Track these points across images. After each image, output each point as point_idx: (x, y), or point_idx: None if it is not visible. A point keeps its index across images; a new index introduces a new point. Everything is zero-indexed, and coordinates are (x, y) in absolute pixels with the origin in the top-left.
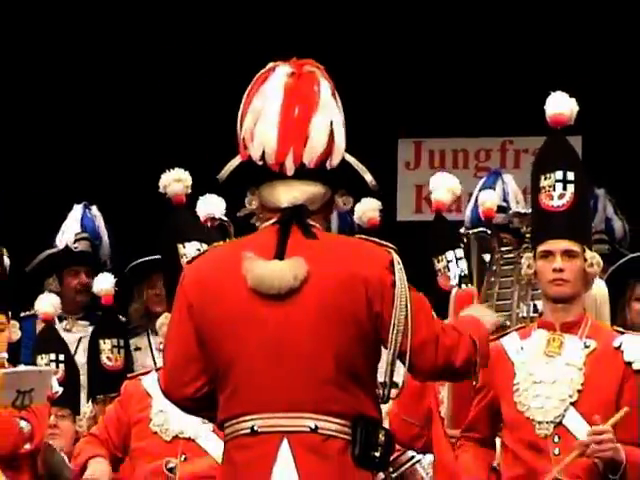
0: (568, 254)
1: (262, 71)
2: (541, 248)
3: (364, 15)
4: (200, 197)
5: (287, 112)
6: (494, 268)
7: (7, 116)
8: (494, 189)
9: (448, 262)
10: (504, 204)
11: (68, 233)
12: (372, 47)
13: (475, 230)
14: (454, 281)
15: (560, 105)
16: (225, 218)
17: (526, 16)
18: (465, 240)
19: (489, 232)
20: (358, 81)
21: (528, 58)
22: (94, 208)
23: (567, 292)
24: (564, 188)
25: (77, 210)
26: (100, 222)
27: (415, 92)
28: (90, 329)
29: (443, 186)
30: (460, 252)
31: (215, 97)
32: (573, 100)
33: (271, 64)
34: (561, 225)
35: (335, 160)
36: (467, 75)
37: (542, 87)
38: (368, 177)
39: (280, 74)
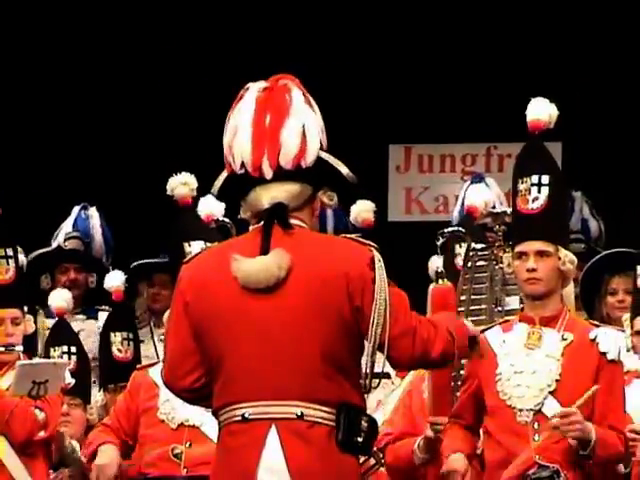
0: (541, 254)
1: (244, 89)
2: (517, 249)
3: (359, 29)
4: (201, 198)
5: (259, 121)
6: (469, 265)
7: (15, 119)
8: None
9: None
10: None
11: (62, 233)
12: (366, 60)
13: (450, 229)
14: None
15: (538, 111)
16: (227, 220)
17: (509, 31)
18: (441, 239)
19: (464, 231)
20: (352, 90)
21: (512, 69)
22: (92, 209)
23: (540, 290)
24: (538, 191)
25: (74, 211)
26: (95, 222)
27: (405, 101)
28: (88, 322)
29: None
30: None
31: (218, 101)
32: (553, 106)
33: (249, 84)
34: (534, 227)
35: (309, 159)
36: (454, 84)
37: (525, 96)
38: (344, 170)
39: (253, 90)
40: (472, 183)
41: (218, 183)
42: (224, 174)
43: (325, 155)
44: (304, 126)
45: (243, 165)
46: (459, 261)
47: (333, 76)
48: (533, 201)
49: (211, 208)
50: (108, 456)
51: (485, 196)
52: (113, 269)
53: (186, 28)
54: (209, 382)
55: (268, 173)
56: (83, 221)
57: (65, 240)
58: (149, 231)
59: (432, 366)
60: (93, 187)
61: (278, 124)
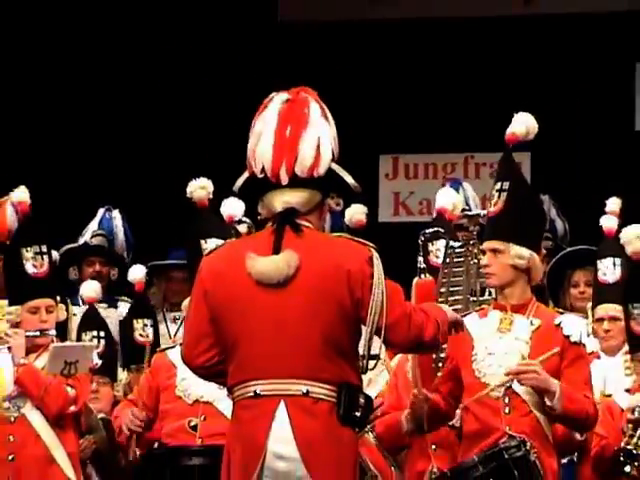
0: (493, 251)
1: (268, 98)
2: (481, 247)
3: (355, 58)
4: (224, 200)
5: (281, 132)
6: (447, 261)
7: (49, 130)
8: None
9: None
10: (467, 207)
11: (89, 231)
12: (360, 83)
13: (430, 230)
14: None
15: (517, 126)
16: (248, 220)
17: (483, 60)
18: (422, 238)
19: (442, 231)
20: (347, 108)
21: (486, 90)
22: (115, 211)
23: (494, 283)
24: (499, 196)
25: (100, 213)
26: (118, 222)
27: (394, 117)
28: (109, 310)
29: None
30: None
31: (232, 114)
32: (533, 121)
33: (273, 94)
34: (490, 228)
35: (321, 169)
36: (436, 102)
37: (498, 112)
38: (350, 180)
39: (277, 101)
40: (451, 187)
41: (239, 182)
42: (245, 174)
43: (335, 166)
44: (319, 139)
45: (263, 170)
46: (432, 257)
47: (330, 95)
48: (493, 205)
49: (233, 209)
50: (132, 410)
51: (453, 198)
52: (133, 264)
53: (212, 45)
54: (222, 361)
55: (284, 179)
56: (108, 221)
57: (92, 237)
58: (169, 229)
59: (424, 348)
60: (118, 191)
61: (297, 136)
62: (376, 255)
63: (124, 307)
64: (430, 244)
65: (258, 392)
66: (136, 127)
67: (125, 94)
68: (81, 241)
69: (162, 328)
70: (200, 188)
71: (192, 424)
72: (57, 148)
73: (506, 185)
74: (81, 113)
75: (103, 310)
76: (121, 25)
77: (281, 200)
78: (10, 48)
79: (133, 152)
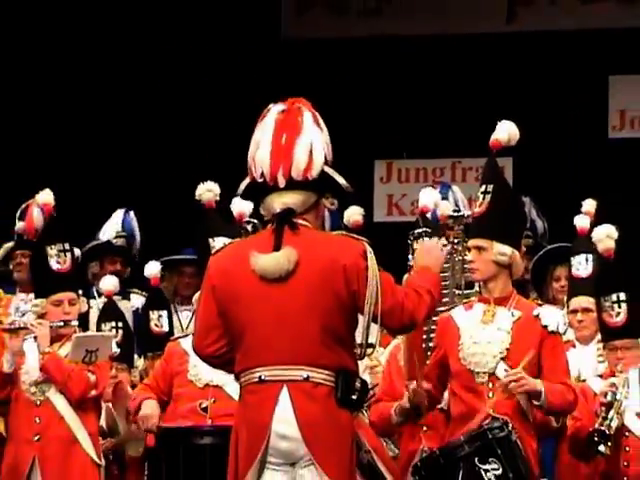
0: (477, 249)
1: (267, 109)
2: (468, 244)
3: (354, 70)
4: (234, 199)
5: (277, 140)
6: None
7: (71, 138)
8: (447, 198)
9: None
10: (457, 208)
11: (110, 230)
12: (357, 94)
13: (418, 230)
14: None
15: (500, 132)
16: (254, 220)
17: (469, 74)
18: (411, 238)
19: (429, 231)
20: (346, 118)
21: (472, 101)
22: (131, 213)
23: (477, 277)
24: (483, 198)
25: (118, 213)
26: (135, 224)
27: (388, 126)
28: (122, 302)
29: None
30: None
31: (237, 122)
32: (515, 128)
33: (270, 105)
34: (475, 227)
35: (315, 172)
36: (426, 113)
37: (482, 121)
38: (342, 182)
39: (274, 112)
40: (441, 190)
41: (242, 186)
42: (247, 180)
43: (328, 169)
44: (311, 145)
45: (262, 175)
46: None
47: (329, 106)
48: (479, 206)
49: (242, 207)
50: (150, 407)
51: (434, 197)
52: (147, 260)
53: (217, 59)
54: (230, 350)
55: (282, 182)
56: (129, 223)
57: (115, 238)
58: (179, 229)
59: (419, 326)
60: (132, 193)
61: (291, 143)
62: (369, 249)
63: (136, 299)
64: (415, 242)
65: (263, 378)
66: (151, 136)
67: (143, 110)
68: (103, 238)
69: (174, 320)
70: (207, 191)
71: (203, 406)
72: (79, 155)
73: (490, 188)
74: (102, 125)
75: (117, 302)
76: (143, 42)
77: (279, 202)
78: (34, 58)
79: (147, 158)
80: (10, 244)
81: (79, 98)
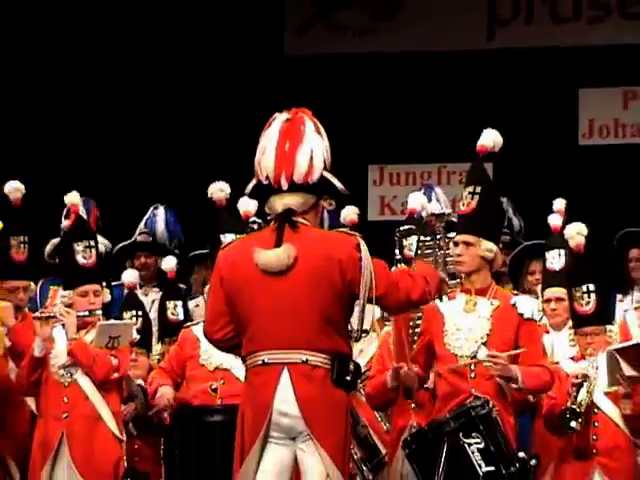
0: (465, 244)
1: (273, 117)
2: (454, 239)
3: (350, 84)
4: (240, 199)
5: (281, 147)
6: (419, 252)
7: (110, 147)
8: (431, 198)
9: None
10: (439, 209)
11: (138, 229)
12: (353, 105)
13: (404, 227)
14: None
15: (485, 139)
16: (259, 220)
17: (453, 87)
18: (398, 235)
19: (414, 228)
20: (342, 127)
21: (456, 112)
22: (160, 208)
23: (462, 270)
24: (472, 198)
25: (149, 211)
26: (160, 219)
27: (380, 134)
28: (160, 294)
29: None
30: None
31: (247, 129)
32: (499, 136)
33: (276, 114)
34: (463, 224)
35: (315, 177)
36: (415, 122)
37: (465, 130)
38: (339, 185)
39: (279, 120)
40: (425, 191)
41: (250, 186)
42: (254, 181)
43: (326, 174)
44: (312, 152)
45: (267, 178)
46: (406, 250)
47: (328, 116)
48: (467, 205)
49: (248, 207)
50: (166, 393)
51: (421, 200)
52: (182, 253)
53: (226, 74)
54: (236, 336)
55: (284, 185)
56: (150, 219)
57: (138, 234)
58: (197, 224)
59: (415, 306)
60: (165, 193)
61: (294, 150)
62: (362, 242)
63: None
64: (404, 239)
65: (265, 361)
66: (173, 146)
67: (167, 125)
68: (133, 238)
69: (202, 310)
70: (219, 190)
71: (213, 387)
72: (117, 164)
73: (478, 189)
74: (136, 139)
75: (155, 293)
76: (167, 65)
77: (281, 202)
78: (73, 67)
79: (172, 164)
80: (56, 240)
81: (120, 118)
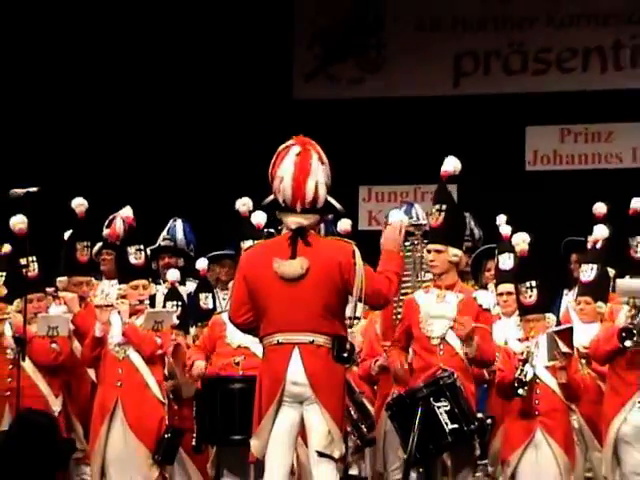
0: (436, 251)
1: (285, 146)
2: (427, 247)
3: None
4: (253, 213)
5: (296, 179)
6: (401, 255)
7: (144, 165)
8: (410, 212)
9: None
10: (417, 221)
11: (162, 236)
12: (348, 138)
13: None
14: None
15: (447, 166)
16: (272, 230)
17: (425, 125)
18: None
19: None
20: (339, 155)
21: (429, 144)
22: (179, 220)
23: (435, 271)
24: (439, 214)
25: (170, 222)
26: (179, 229)
27: (369, 161)
28: (182, 288)
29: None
30: None
31: (260, 159)
32: (458, 162)
33: (290, 142)
34: (434, 235)
35: (320, 203)
36: (396, 153)
37: (436, 158)
38: (338, 206)
39: (292, 154)
40: (405, 208)
41: (267, 200)
42: (272, 197)
43: (329, 198)
44: (317, 183)
45: (284, 201)
46: None
47: (328, 146)
48: (435, 220)
49: (260, 219)
50: (199, 364)
51: (401, 215)
52: (196, 255)
53: (238, 114)
54: (255, 320)
55: (298, 208)
56: (172, 229)
57: (162, 240)
58: (221, 231)
59: (388, 303)
60: (187, 207)
61: (304, 183)
62: (356, 249)
63: (190, 284)
64: None
65: (280, 341)
66: (195, 173)
67: (191, 156)
68: (160, 242)
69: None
70: (242, 205)
71: (236, 361)
72: (143, 184)
73: (444, 207)
74: (168, 159)
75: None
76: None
77: (294, 221)
78: (93, 75)
79: (200, 186)
80: (99, 245)
81: (153, 152)
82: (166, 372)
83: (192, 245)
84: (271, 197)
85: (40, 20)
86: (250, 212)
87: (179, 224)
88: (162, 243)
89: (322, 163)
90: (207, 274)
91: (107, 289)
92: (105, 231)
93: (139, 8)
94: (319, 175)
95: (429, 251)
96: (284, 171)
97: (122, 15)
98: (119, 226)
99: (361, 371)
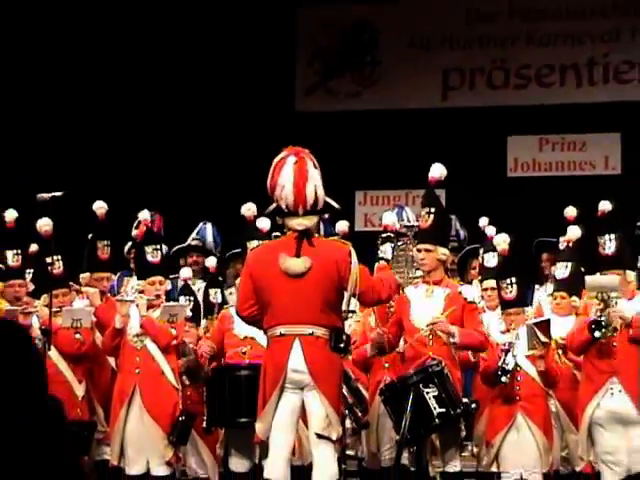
0: (427, 250)
1: (280, 157)
2: (417, 247)
3: (344, 133)
4: (258, 218)
5: (296, 186)
6: (395, 253)
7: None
8: (401, 214)
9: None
10: (408, 222)
11: (191, 236)
12: (345, 148)
13: (383, 235)
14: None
15: (434, 172)
16: (278, 233)
17: (415, 135)
18: (379, 240)
19: (392, 236)
20: (338, 162)
21: (419, 152)
22: (208, 224)
23: (425, 269)
24: (428, 216)
25: (199, 225)
26: (209, 232)
27: (364, 168)
28: (198, 282)
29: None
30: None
31: (264, 168)
32: (444, 169)
33: (284, 153)
34: (423, 236)
35: (320, 204)
36: (390, 161)
37: (426, 165)
38: (336, 205)
39: (289, 163)
40: (397, 211)
41: (270, 208)
42: (274, 205)
43: (328, 199)
44: (316, 187)
45: (287, 206)
46: (382, 254)
47: (327, 154)
48: (425, 221)
49: (264, 224)
50: (206, 344)
51: (393, 218)
52: (221, 255)
53: (243, 126)
54: (260, 314)
55: (300, 212)
56: (202, 231)
57: (192, 240)
58: (230, 234)
59: (381, 303)
60: (199, 209)
61: (303, 188)
62: (352, 250)
63: (200, 282)
64: (383, 245)
65: (282, 332)
66: (213, 181)
67: (209, 166)
68: (187, 242)
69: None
70: (248, 210)
71: (243, 351)
72: (163, 186)
73: (433, 209)
74: (175, 162)
75: (201, 284)
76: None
77: (297, 223)
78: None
79: (209, 189)
80: (129, 244)
81: (163, 143)
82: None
83: (219, 247)
84: (273, 205)
85: (62, 31)
86: (255, 216)
87: (209, 227)
88: (192, 243)
89: (316, 167)
90: (225, 270)
91: (136, 285)
92: (134, 232)
93: (153, 24)
94: (316, 179)
95: (419, 250)
96: (284, 179)
97: (137, 30)
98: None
99: (356, 356)
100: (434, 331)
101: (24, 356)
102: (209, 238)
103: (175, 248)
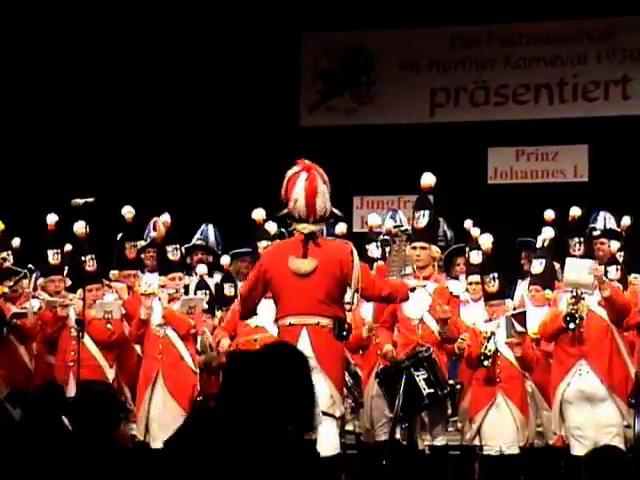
0: (422, 248)
1: (294, 172)
2: (412, 245)
3: (344, 145)
4: (266, 223)
5: (308, 199)
6: (389, 252)
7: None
8: (395, 218)
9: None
10: (400, 224)
11: (195, 237)
12: (344, 156)
13: (382, 237)
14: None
15: (426, 180)
16: (284, 230)
17: (404, 148)
18: (379, 243)
19: (388, 238)
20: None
21: (411, 163)
22: (210, 225)
23: (419, 264)
24: (423, 218)
25: (202, 226)
26: (211, 233)
27: (361, 176)
28: (212, 280)
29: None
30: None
31: (273, 181)
32: (434, 178)
33: (296, 169)
34: (419, 234)
35: (327, 214)
36: (385, 169)
37: (417, 174)
38: (339, 213)
39: (302, 179)
40: (391, 214)
41: (282, 212)
42: (286, 210)
43: (333, 209)
44: (324, 199)
45: (299, 216)
46: (368, 252)
47: (329, 164)
48: (419, 223)
49: (271, 227)
50: (224, 342)
51: (378, 220)
52: (223, 254)
53: (249, 141)
54: (253, 303)
55: (310, 220)
56: (204, 232)
57: (196, 240)
58: (231, 235)
59: (385, 300)
60: (212, 215)
61: (314, 199)
62: (354, 249)
63: (217, 276)
64: (381, 245)
65: (291, 322)
66: (220, 189)
67: (216, 175)
68: (192, 242)
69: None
70: (257, 214)
71: (254, 338)
72: (181, 193)
73: (426, 212)
74: (192, 172)
75: (211, 280)
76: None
77: (307, 228)
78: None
79: (223, 197)
80: (143, 243)
81: (182, 156)
82: (199, 348)
83: (220, 245)
84: (285, 210)
85: (86, 44)
86: (264, 220)
87: (211, 228)
88: (196, 242)
89: (324, 182)
90: (230, 268)
91: (149, 280)
92: (152, 233)
93: (170, 42)
94: (325, 193)
95: (415, 247)
96: (297, 194)
97: (157, 50)
98: (162, 230)
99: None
100: (423, 320)
101: (299, 379)
102: (211, 238)
103: (183, 247)
